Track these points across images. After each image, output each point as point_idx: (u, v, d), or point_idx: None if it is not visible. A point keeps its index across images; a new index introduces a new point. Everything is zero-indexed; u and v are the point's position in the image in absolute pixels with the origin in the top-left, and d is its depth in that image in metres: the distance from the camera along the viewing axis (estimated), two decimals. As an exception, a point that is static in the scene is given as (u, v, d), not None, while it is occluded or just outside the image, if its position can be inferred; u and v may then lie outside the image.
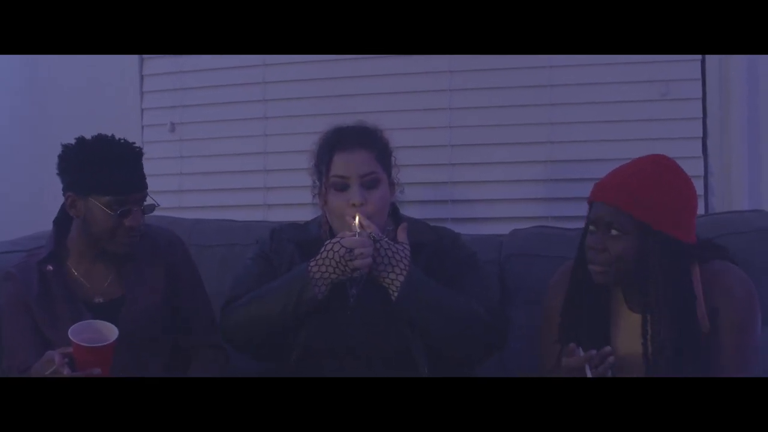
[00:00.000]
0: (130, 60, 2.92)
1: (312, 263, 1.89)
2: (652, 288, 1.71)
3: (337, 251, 1.86)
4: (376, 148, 1.99)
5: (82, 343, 1.75)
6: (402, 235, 1.91)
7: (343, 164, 1.94)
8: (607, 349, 1.67)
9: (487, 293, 1.99)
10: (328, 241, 1.89)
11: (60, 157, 2.01)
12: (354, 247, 1.84)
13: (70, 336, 1.76)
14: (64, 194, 2.02)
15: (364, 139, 1.99)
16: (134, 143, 2.03)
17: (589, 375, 1.65)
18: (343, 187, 1.94)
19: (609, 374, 1.67)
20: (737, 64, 2.48)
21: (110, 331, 1.81)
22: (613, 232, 1.73)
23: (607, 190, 1.77)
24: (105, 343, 1.77)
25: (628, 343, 1.78)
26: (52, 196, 2.13)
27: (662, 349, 1.70)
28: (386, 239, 1.88)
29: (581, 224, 2.39)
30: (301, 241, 2.03)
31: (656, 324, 1.71)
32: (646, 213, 1.71)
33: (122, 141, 2.02)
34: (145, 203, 2.02)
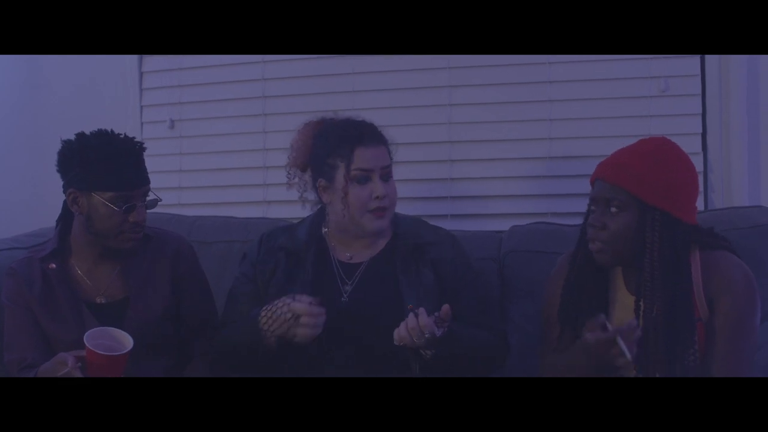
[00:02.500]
0: (130, 57, 2.92)
1: (262, 315, 1.86)
2: (647, 264, 1.72)
3: (285, 313, 1.82)
4: (387, 143, 2.02)
5: (97, 350, 1.74)
6: (447, 315, 1.80)
7: (366, 158, 1.95)
8: (633, 322, 1.66)
9: (489, 313, 2.02)
10: (284, 297, 1.85)
11: (60, 153, 2.00)
12: (301, 315, 1.81)
13: (85, 341, 1.75)
14: (64, 191, 2.00)
15: (378, 133, 2.01)
16: (135, 138, 2.02)
17: (623, 348, 1.62)
18: (365, 179, 1.94)
19: (634, 350, 1.64)
20: (737, 60, 2.48)
21: (125, 339, 1.80)
22: (612, 209, 1.75)
23: (606, 168, 1.79)
24: (120, 352, 1.77)
25: (623, 321, 1.77)
26: (52, 193, 2.13)
27: (655, 326, 1.70)
28: (437, 329, 1.77)
29: (581, 220, 2.40)
30: (290, 248, 2.03)
31: (649, 301, 1.72)
32: (642, 189, 1.72)
33: (123, 136, 2.00)
34: (148, 198, 2.01)
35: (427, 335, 1.74)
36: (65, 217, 2.08)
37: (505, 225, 2.50)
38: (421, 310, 1.76)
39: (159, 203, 2.04)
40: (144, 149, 2.02)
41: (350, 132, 1.99)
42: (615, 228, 1.74)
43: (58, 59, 2.92)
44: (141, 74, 2.94)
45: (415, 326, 1.74)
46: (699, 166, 2.50)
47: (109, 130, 2.00)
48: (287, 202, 2.76)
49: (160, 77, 2.92)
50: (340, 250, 2.04)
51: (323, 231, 2.06)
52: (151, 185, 2.02)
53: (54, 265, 2.03)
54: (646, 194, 1.72)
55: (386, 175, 1.97)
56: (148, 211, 2.01)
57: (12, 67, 3.01)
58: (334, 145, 1.98)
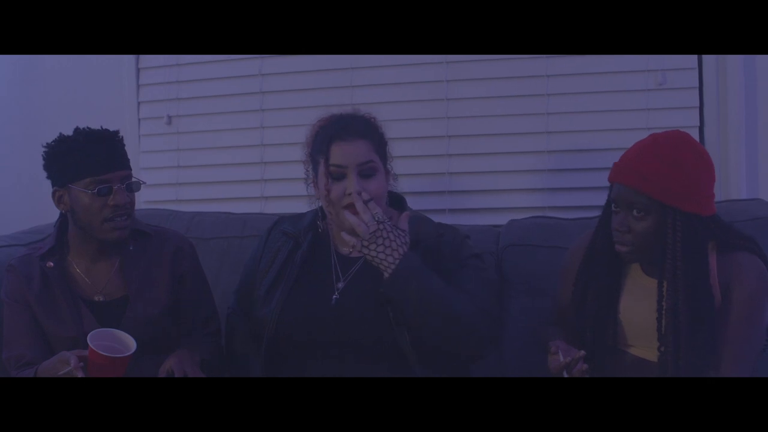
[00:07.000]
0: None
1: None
2: (669, 262, 1.77)
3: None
4: (373, 138, 1.98)
5: (100, 351, 1.74)
6: (403, 223, 1.90)
7: (341, 154, 1.92)
8: (581, 353, 1.75)
9: (481, 294, 1.94)
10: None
11: (42, 156, 2.01)
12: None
13: (88, 341, 1.75)
14: (52, 193, 2.01)
15: (361, 128, 1.97)
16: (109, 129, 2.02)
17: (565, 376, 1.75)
18: (340, 176, 1.92)
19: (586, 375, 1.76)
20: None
21: (129, 341, 1.80)
22: (635, 212, 1.79)
23: (625, 172, 1.81)
24: (124, 355, 1.77)
25: (637, 303, 1.86)
26: (49, 191, 2.13)
27: (676, 315, 1.76)
28: (389, 223, 1.86)
29: (579, 214, 2.42)
30: (290, 233, 2.04)
31: (671, 293, 1.77)
32: (664, 194, 1.76)
33: (99, 128, 2.00)
34: (130, 181, 1.99)
35: (371, 209, 1.84)
36: (63, 216, 2.08)
37: (503, 219, 2.50)
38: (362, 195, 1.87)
39: (156, 201, 2.04)
40: (119, 135, 2.01)
41: (329, 128, 1.97)
42: (639, 230, 1.79)
43: (56, 56, 2.92)
44: (138, 70, 2.93)
45: (362, 207, 1.84)
46: (697, 159, 2.51)
47: (86, 127, 2.00)
48: (285, 198, 2.77)
49: (157, 73, 2.92)
50: (340, 243, 2.03)
51: (324, 223, 2.06)
52: (149, 182, 2.01)
53: (51, 264, 2.03)
54: (668, 198, 1.76)
55: (367, 171, 1.93)
56: (135, 193, 2.00)
57: (10, 61, 3.00)
58: (318, 141, 1.98)
